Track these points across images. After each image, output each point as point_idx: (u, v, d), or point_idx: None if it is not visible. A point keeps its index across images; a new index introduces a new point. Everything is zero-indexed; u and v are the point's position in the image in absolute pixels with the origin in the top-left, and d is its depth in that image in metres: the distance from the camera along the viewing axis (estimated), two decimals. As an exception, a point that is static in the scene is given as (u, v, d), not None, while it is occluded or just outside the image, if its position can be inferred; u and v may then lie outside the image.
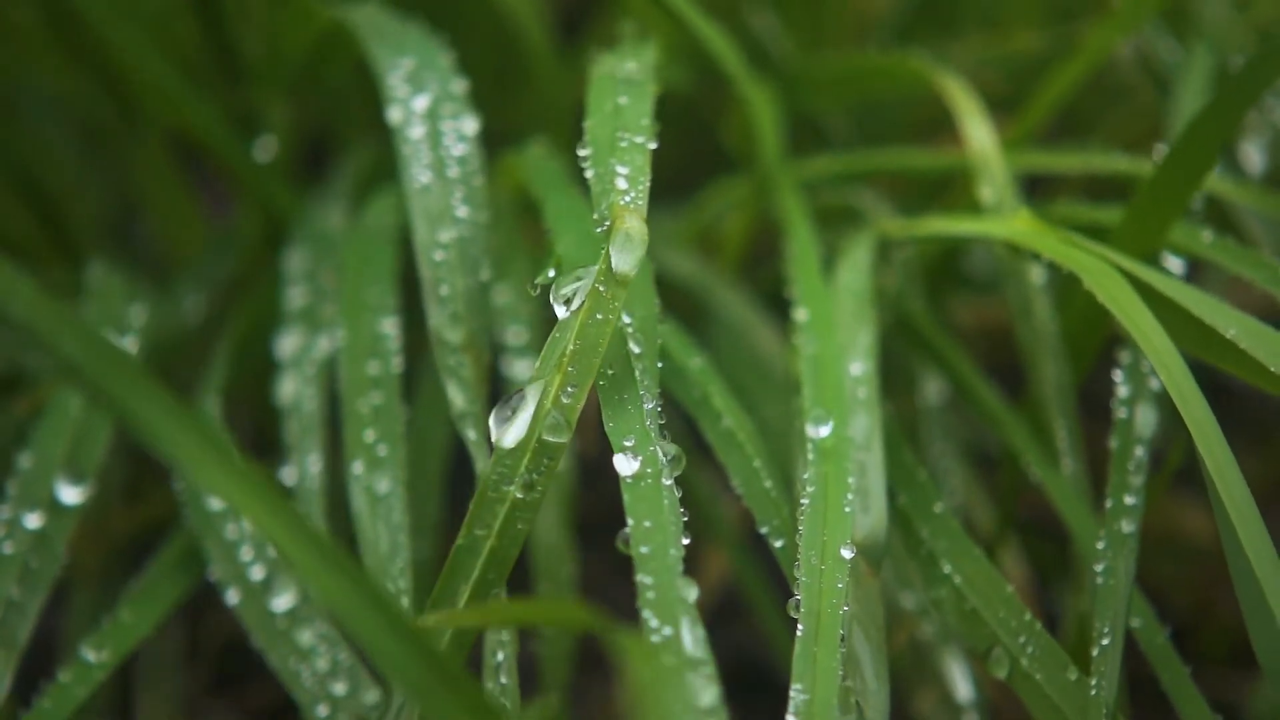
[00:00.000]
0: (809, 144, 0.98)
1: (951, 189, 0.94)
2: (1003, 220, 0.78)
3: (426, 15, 0.84)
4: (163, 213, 0.99)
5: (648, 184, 0.68)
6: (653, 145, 0.70)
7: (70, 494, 0.75)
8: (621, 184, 0.68)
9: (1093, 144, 1.00)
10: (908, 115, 1.06)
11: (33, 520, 0.74)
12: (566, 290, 0.65)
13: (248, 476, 0.52)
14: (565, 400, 0.63)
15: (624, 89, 0.73)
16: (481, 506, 0.62)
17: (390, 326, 0.76)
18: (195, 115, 0.90)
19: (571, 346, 0.64)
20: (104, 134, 0.98)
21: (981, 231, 0.79)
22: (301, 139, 0.96)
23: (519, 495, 0.62)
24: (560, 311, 0.65)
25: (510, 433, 0.63)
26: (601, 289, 0.64)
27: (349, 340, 0.76)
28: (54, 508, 0.74)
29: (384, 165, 0.94)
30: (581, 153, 0.70)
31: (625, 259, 0.64)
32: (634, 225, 0.65)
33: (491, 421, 0.64)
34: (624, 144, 0.70)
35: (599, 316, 0.64)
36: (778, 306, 0.89)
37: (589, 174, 0.69)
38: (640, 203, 0.67)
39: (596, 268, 0.65)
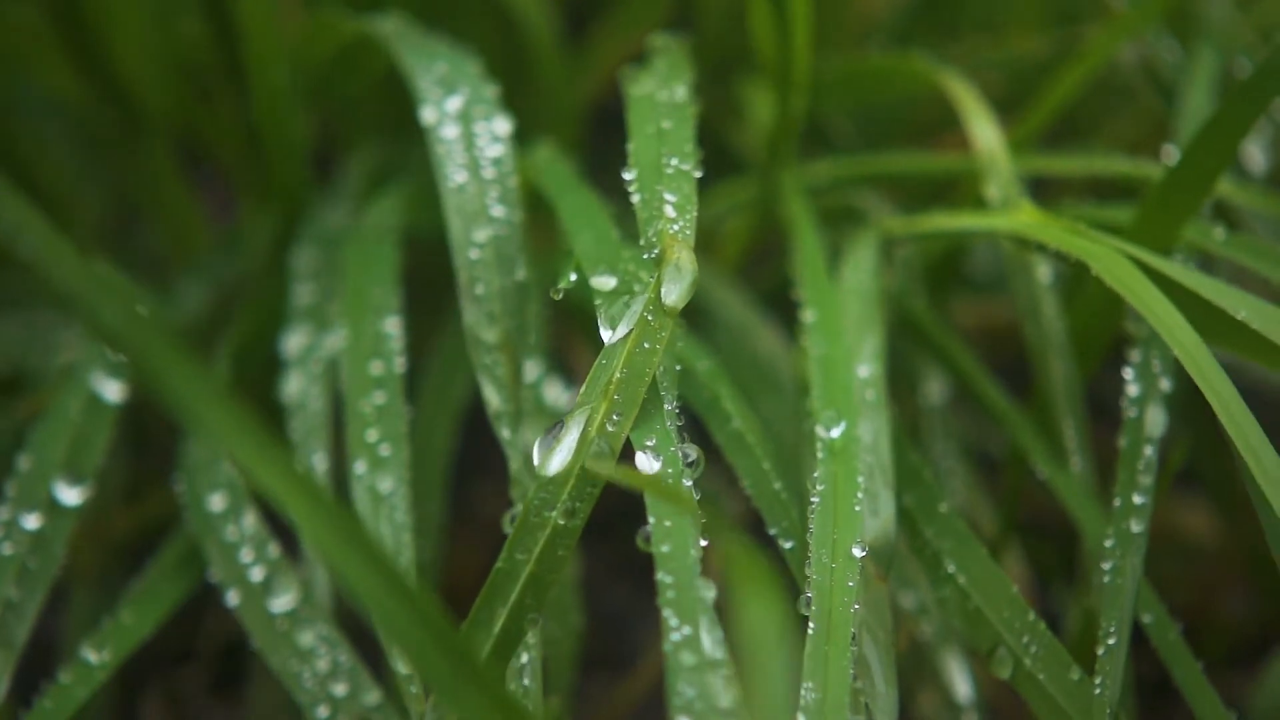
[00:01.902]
0: (811, 144, 0.98)
1: (952, 190, 0.94)
2: (1007, 214, 0.78)
3: (429, 12, 0.84)
4: (164, 214, 0.99)
5: (695, 214, 0.68)
6: (699, 174, 0.71)
7: (69, 495, 0.75)
8: (670, 211, 0.68)
9: (1094, 147, 1.00)
10: (907, 116, 1.06)
11: (32, 521, 0.74)
12: (611, 314, 0.66)
13: (292, 470, 0.52)
14: (610, 428, 0.63)
15: (666, 112, 0.74)
16: (523, 531, 0.63)
17: (393, 326, 0.76)
18: (204, 120, 0.90)
19: (618, 374, 0.64)
20: (105, 136, 0.98)
21: (986, 226, 0.79)
22: (309, 141, 0.96)
23: (560, 522, 0.62)
24: (606, 335, 0.65)
25: (555, 459, 0.63)
26: (650, 318, 0.65)
27: (351, 340, 0.76)
28: (53, 509, 0.74)
29: (391, 167, 0.94)
30: (626, 175, 0.71)
31: (675, 290, 0.66)
32: (684, 257, 0.66)
33: (536, 446, 0.64)
34: (670, 170, 0.70)
35: (646, 345, 0.65)
36: (778, 307, 0.89)
37: (635, 198, 0.70)
38: (689, 233, 0.68)
39: (645, 296, 0.66)
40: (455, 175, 0.74)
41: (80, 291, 0.50)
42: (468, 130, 0.76)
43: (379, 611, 0.52)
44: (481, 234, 0.73)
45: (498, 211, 0.73)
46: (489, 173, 0.74)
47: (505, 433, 0.69)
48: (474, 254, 0.72)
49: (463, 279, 0.72)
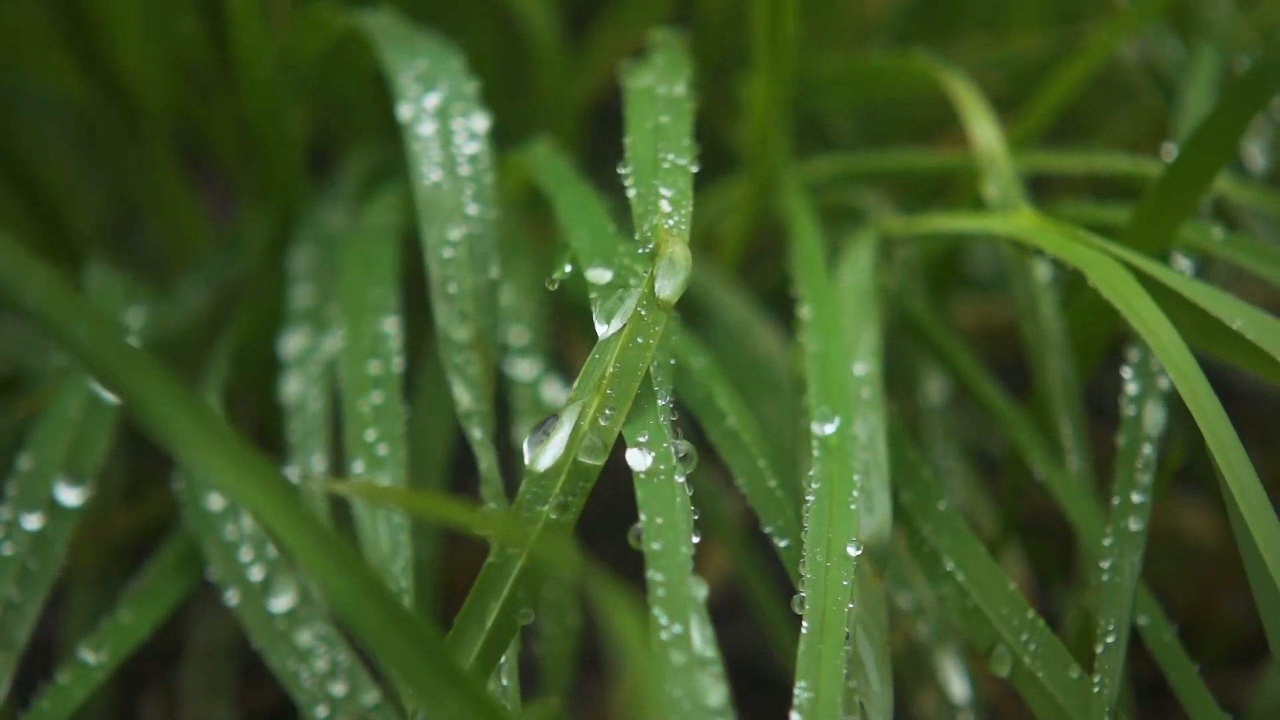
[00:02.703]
0: (811, 143, 0.98)
1: (952, 189, 0.94)
2: (1005, 217, 0.78)
3: (429, 10, 0.84)
4: (164, 214, 0.99)
5: (690, 208, 0.68)
6: (695, 169, 0.71)
7: (69, 495, 0.75)
8: (665, 206, 0.68)
9: (1095, 146, 1.00)
10: (909, 115, 1.06)
11: (32, 521, 0.73)
12: (605, 308, 0.66)
13: (256, 470, 0.52)
14: (603, 423, 0.63)
15: (664, 107, 0.74)
16: (515, 525, 0.62)
17: (391, 326, 0.76)
18: (203, 118, 0.90)
19: (611, 369, 0.64)
20: (104, 135, 0.98)
21: (984, 228, 0.79)
22: (306, 140, 0.96)
23: (553, 516, 0.62)
24: (600, 330, 0.65)
25: (547, 453, 0.63)
26: (644, 313, 0.65)
27: (350, 340, 0.76)
28: (53, 509, 0.74)
29: (388, 166, 0.94)
30: (622, 170, 0.70)
31: (668, 285, 0.66)
32: (679, 251, 0.66)
33: (527, 441, 0.64)
34: (667, 165, 0.70)
35: (639, 340, 0.65)
36: (776, 306, 0.89)
37: (631, 192, 0.69)
38: (684, 227, 0.67)
39: (639, 290, 0.65)
40: (430, 173, 0.74)
41: (58, 318, 0.50)
42: (445, 127, 0.75)
43: (362, 625, 0.53)
44: (455, 232, 0.72)
45: (472, 210, 0.73)
46: (465, 170, 0.74)
47: (475, 433, 0.69)
48: (447, 252, 0.72)
49: (435, 277, 0.71)
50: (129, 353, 0.51)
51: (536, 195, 0.81)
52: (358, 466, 0.72)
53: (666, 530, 0.61)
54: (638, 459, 0.63)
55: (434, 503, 0.64)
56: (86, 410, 0.77)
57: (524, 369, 0.77)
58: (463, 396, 0.70)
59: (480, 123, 0.76)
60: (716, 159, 0.98)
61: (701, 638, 0.58)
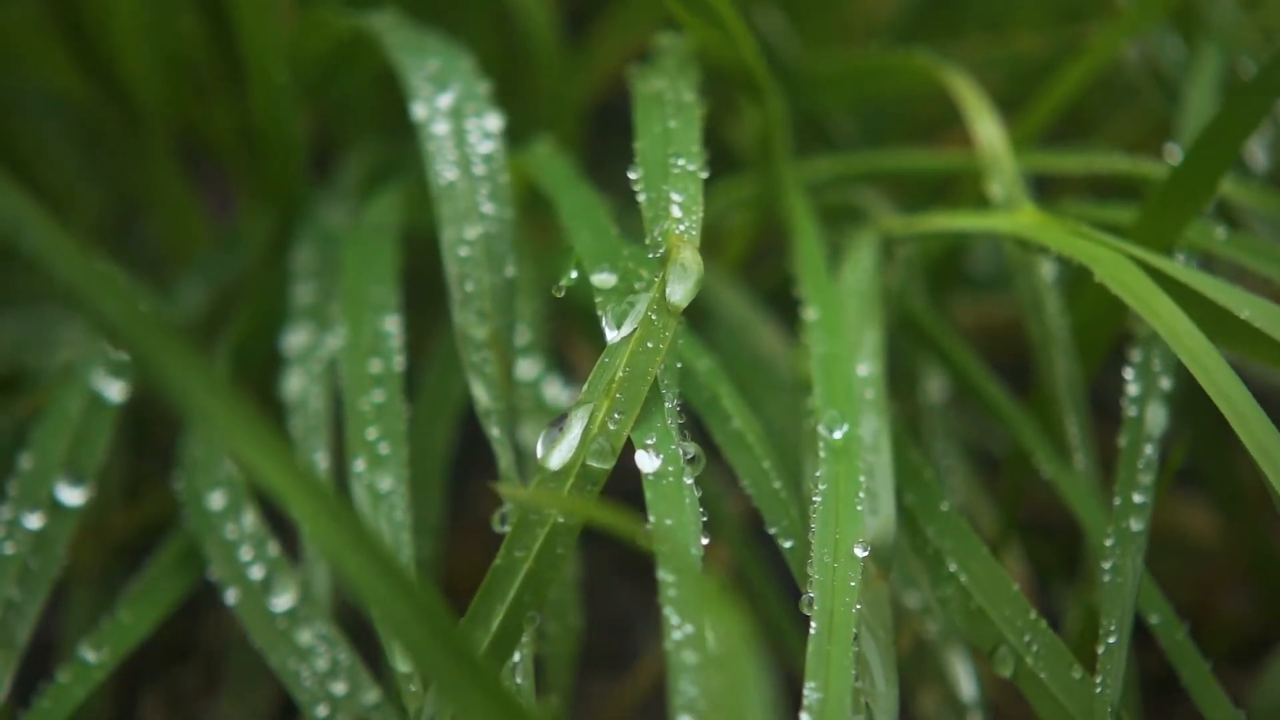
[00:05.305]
0: (812, 141, 0.98)
1: (953, 188, 0.94)
2: (1009, 215, 0.78)
3: (428, 9, 0.84)
4: (164, 213, 0.99)
5: (701, 213, 0.69)
6: (705, 174, 0.71)
7: (70, 495, 0.75)
8: (675, 211, 0.68)
9: (1097, 146, 1.00)
10: (910, 113, 1.06)
11: (33, 521, 0.74)
12: (615, 312, 0.66)
13: (277, 449, 0.52)
14: (611, 426, 0.63)
15: (673, 111, 0.74)
16: (521, 528, 0.62)
17: (392, 324, 0.76)
18: (202, 117, 0.90)
19: (621, 373, 0.64)
20: (104, 134, 0.98)
21: (988, 226, 0.79)
22: (306, 139, 0.96)
23: (560, 519, 0.62)
24: (610, 334, 0.66)
25: (555, 457, 0.63)
26: (654, 318, 0.65)
27: (351, 338, 0.76)
28: (54, 508, 0.74)
29: (390, 165, 0.94)
30: (632, 175, 0.71)
31: (680, 290, 0.66)
32: (689, 257, 0.66)
33: (539, 442, 0.64)
34: (676, 170, 0.71)
35: (649, 345, 0.65)
36: (778, 305, 0.89)
37: (641, 197, 0.70)
38: (694, 233, 0.68)
39: (650, 295, 0.66)
40: (445, 172, 0.74)
41: (83, 286, 0.50)
42: (459, 127, 0.76)
43: (378, 605, 0.52)
44: (472, 231, 0.73)
45: (488, 209, 0.73)
46: (479, 170, 0.74)
47: (494, 431, 0.69)
48: (464, 251, 0.72)
49: (452, 276, 0.72)
50: (157, 327, 0.51)
51: (535, 195, 0.81)
52: (359, 465, 0.72)
53: (676, 531, 0.61)
54: (646, 461, 0.63)
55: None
56: (87, 410, 0.77)
57: (525, 368, 0.78)
58: (481, 395, 0.70)
59: (494, 122, 0.76)
60: (718, 158, 0.98)
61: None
